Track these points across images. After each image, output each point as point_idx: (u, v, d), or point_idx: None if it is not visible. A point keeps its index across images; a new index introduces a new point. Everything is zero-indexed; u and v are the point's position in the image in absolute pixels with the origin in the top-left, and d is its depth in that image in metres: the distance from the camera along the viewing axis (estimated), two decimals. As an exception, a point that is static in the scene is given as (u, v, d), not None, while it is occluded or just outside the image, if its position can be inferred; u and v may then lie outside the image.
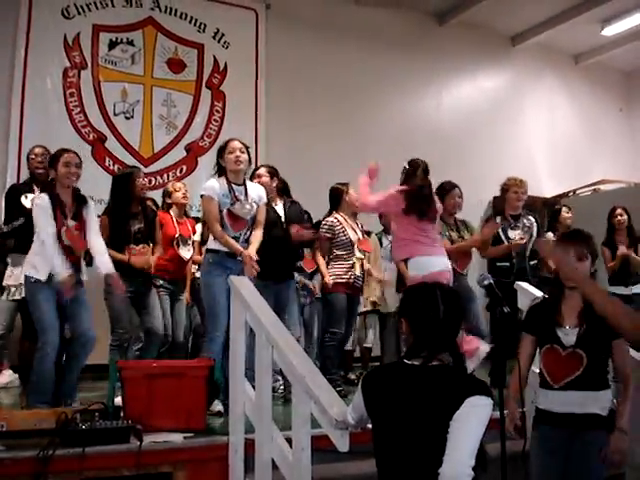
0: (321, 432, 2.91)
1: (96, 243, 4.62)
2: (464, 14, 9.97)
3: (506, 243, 5.79)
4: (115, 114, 8.04)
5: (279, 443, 3.23)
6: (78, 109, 7.86)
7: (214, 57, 8.70)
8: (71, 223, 4.50)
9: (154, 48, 8.40)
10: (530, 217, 6.03)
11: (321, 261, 5.82)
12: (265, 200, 4.89)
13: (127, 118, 8.11)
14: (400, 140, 8.88)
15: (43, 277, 4.39)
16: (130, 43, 8.28)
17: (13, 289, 5.06)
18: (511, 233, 5.86)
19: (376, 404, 2.48)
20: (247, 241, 4.67)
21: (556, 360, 3.14)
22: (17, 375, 5.81)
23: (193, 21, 8.67)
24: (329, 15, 9.25)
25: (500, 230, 5.84)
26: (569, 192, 10.28)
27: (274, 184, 5.41)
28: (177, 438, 3.66)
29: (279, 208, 5.41)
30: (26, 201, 4.97)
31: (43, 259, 4.40)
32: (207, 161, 8.32)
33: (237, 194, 4.64)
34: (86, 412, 3.63)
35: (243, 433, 3.57)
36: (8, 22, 7.66)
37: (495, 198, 6.51)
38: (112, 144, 7.91)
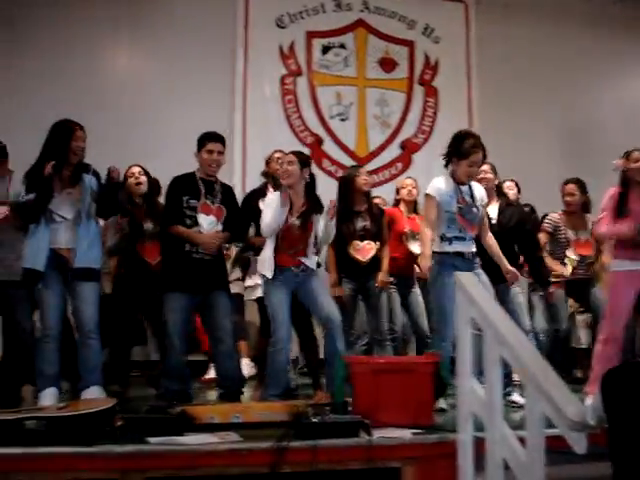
0: (554, 432, 2.78)
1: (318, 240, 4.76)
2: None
3: None
4: (331, 117, 8.28)
5: (511, 443, 3.13)
6: (296, 114, 8.18)
7: (425, 53, 8.67)
8: (296, 222, 4.67)
9: (365, 49, 8.53)
10: None
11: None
12: (486, 201, 4.79)
13: (342, 120, 8.31)
14: (625, 127, 8.37)
15: (269, 274, 4.61)
16: (342, 46, 8.47)
17: (249, 290, 5.32)
18: None
19: (615, 404, 2.34)
20: (470, 241, 4.61)
21: None
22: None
23: (402, 19, 8.69)
24: (542, 3, 8.86)
25: None
26: None
27: (496, 182, 5.22)
28: (405, 434, 3.66)
29: (493, 209, 5.16)
30: (263, 204, 5.21)
31: (267, 256, 4.65)
32: (422, 158, 8.38)
33: (464, 195, 4.59)
34: (317, 406, 3.74)
35: (472, 431, 3.50)
36: (227, 36, 8.13)
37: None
38: (329, 146, 8.15)
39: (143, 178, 5.34)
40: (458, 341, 3.57)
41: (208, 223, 4.68)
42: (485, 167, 5.19)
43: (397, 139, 8.43)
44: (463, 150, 4.53)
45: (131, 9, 7.86)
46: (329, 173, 7.89)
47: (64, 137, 4.33)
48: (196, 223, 4.68)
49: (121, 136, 7.23)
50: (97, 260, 4.44)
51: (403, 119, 8.48)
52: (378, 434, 3.59)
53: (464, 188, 4.60)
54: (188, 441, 3.44)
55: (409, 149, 8.43)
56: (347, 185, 5.45)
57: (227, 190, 4.89)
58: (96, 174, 4.48)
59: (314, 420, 3.54)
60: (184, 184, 4.78)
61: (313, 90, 8.29)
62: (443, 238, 4.55)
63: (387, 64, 8.57)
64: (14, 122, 6.96)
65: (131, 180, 5.30)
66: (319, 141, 8.15)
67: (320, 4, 8.47)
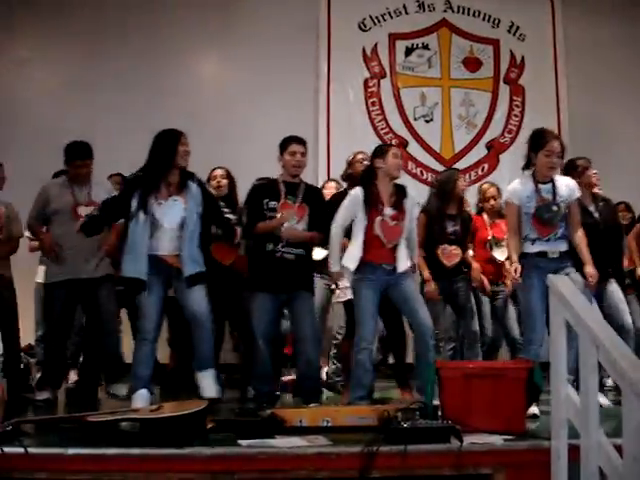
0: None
1: (411, 238, 4.75)
2: None
3: None
4: (415, 119, 8.23)
5: (607, 451, 3.02)
6: (380, 117, 8.16)
7: (510, 51, 8.52)
8: (388, 212, 4.63)
9: (449, 49, 8.45)
10: None
11: None
12: (577, 195, 4.61)
13: (427, 121, 8.25)
14: None
15: (352, 266, 4.58)
16: (425, 47, 8.41)
17: (338, 291, 5.32)
18: None
19: None
20: (558, 240, 4.49)
21: None
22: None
23: (487, 17, 8.58)
24: (630, -3, 8.61)
25: None
26: None
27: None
28: (497, 440, 3.59)
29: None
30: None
31: (351, 249, 4.62)
32: (508, 158, 8.21)
33: (543, 194, 4.48)
34: (407, 410, 3.71)
35: (566, 438, 3.40)
36: (310, 39, 8.21)
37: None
38: (414, 148, 8.10)
39: (224, 181, 5.46)
40: (552, 345, 3.48)
41: (287, 222, 4.71)
42: (581, 162, 5.09)
43: (483, 139, 8.31)
44: (539, 142, 4.49)
45: (217, 14, 8.04)
46: (414, 175, 7.84)
47: (171, 141, 4.40)
48: None
49: (206, 139, 7.36)
50: (202, 263, 4.45)
51: (489, 119, 8.35)
52: (469, 440, 3.53)
53: (545, 186, 4.50)
54: (278, 444, 3.46)
55: (496, 149, 8.29)
56: (448, 187, 5.40)
57: (312, 191, 4.93)
58: (201, 184, 4.55)
59: (404, 425, 3.50)
60: (265, 188, 4.87)
61: (397, 92, 8.25)
62: (526, 239, 4.50)
63: (472, 63, 8.46)
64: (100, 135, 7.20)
65: (212, 183, 5.43)
66: (404, 143, 8.09)
67: (402, 5, 8.44)
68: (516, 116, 8.39)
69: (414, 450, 3.42)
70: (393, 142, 8.01)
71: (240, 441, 3.46)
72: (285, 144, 4.83)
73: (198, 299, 4.37)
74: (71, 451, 3.28)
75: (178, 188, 4.40)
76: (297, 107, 7.89)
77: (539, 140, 4.51)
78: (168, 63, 7.87)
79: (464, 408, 3.73)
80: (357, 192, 4.68)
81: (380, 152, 4.75)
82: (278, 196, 4.76)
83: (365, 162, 5.19)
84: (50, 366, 5.05)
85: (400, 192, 4.72)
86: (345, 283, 5.04)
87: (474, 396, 3.75)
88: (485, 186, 6.20)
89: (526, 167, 4.61)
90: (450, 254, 5.27)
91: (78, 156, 5.02)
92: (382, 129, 8.12)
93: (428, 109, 8.26)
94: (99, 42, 7.84)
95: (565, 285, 3.42)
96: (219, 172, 5.49)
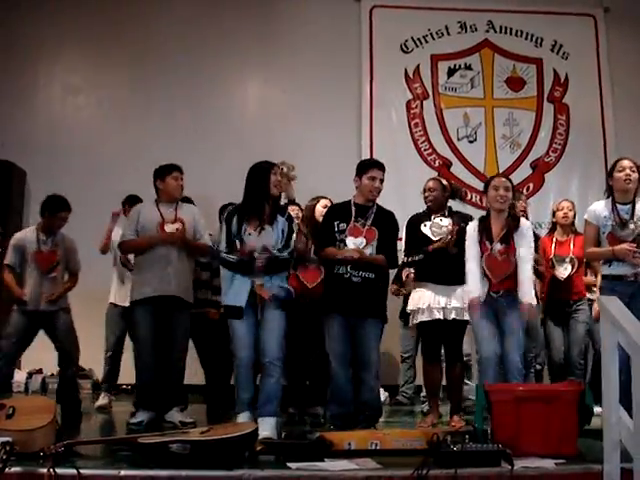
0: None
1: (521, 270, 4.63)
2: None
3: None
4: (459, 139, 8.24)
5: (661, 475, 2.98)
6: (423, 138, 8.17)
7: (554, 70, 8.49)
8: (497, 247, 4.62)
9: (492, 69, 8.45)
10: None
11: None
12: None
13: (470, 142, 8.24)
14: None
15: (482, 297, 4.58)
16: (468, 68, 8.43)
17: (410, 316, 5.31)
18: None
19: None
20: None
21: None
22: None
23: (529, 37, 8.57)
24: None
25: None
26: None
27: None
28: (548, 464, 3.54)
29: None
30: (425, 229, 5.15)
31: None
32: (554, 177, 8.19)
33: (621, 214, 4.49)
34: (456, 434, 3.67)
35: (619, 462, 3.35)
36: (352, 62, 8.31)
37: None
38: (457, 168, 8.09)
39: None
40: (604, 368, 3.44)
41: (354, 245, 4.67)
42: None
43: (528, 159, 8.26)
44: (613, 166, 4.63)
45: (259, 39, 8.19)
46: (459, 197, 7.81)
47: (263, 172, 4.52)
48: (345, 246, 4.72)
49: (249, 162, 7.44)
50: (289, 293, 4.49)
51: (533, 138, 8.30)
52: (520, 464, 3.49)
53: (623, 207, 4.54)
54: (327, 467, 3.45)
55: (541, 168, 8.23)
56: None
57: (384, 214, 4.85)
58: (289, 218, 4.60)
59: (454, 448, 3.47)
60: (338, 210, 4.87)
61: (440, 113, 8.27)
62: (604, 261, 4.53)
63: (515, 83, 8.44)
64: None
65: (321, 210, 5.41)
66: (447, 164, 8.10)
67: (444, 26, 8.47)
68: (561, 135, 8.32)
69: (464, 474, 3.37)
70: (436, 163, 8.08)
71: (289, 464, 3.46)
72: (365, 168, 4.80)
73: (272, 332, 4.34)
74: (123, 472, 3.31)
75: (269, 220, 4.46)
76: (340, 130, 7.96)
77: (613, 165, 4.65)
78: (212, 91, 8.04)
79: (514, 431, 3.69)
80: (469, 227, 4.78)
81: (485, 187, 4.82)
82: (348, 218, 4.76)
83: (427, 192, 5.20)
84: (144, 387, 5.00)
85: (513, 225, 4.70)
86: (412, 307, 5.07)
87: (524, 419, 3.71)
88: (560, 201, 6.17)
89: (609, 196, 4.63)
90: None
91: (175, 168, 5.19)
92: (425, 150, 8.13)
93: (471, 129, 8.26)
94: (144, 70, 8.04)
95: (616, 307, 3.39)
96: (324, 202, 5.49)
